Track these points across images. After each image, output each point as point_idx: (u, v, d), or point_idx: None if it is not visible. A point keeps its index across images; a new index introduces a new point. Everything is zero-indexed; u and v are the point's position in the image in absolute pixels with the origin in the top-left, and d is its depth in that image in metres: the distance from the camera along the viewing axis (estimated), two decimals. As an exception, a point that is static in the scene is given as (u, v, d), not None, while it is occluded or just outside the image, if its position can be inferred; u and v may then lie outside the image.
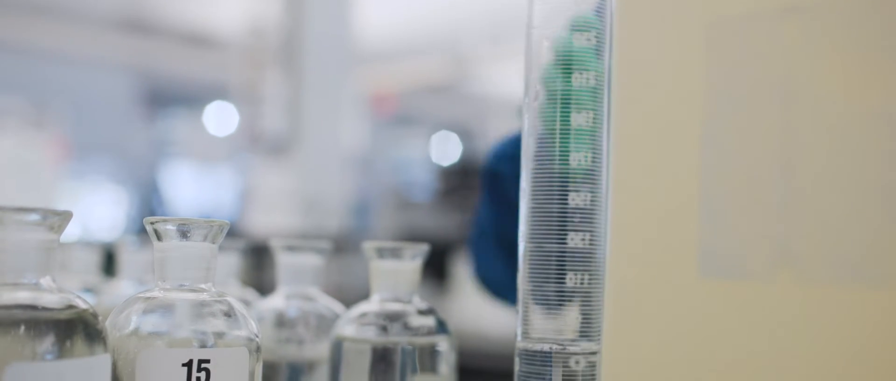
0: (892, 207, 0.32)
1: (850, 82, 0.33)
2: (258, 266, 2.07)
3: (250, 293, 0.65)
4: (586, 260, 0.45)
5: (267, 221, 3.58)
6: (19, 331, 0.35)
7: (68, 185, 4.87)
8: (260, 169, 3.81)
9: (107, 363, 0.38)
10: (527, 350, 0.45)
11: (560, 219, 0.45)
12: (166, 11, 5.63)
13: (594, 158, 0.45)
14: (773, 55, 0.35)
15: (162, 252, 0.42)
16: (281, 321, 0.58)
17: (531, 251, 0.46)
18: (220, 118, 6.28)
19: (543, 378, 0.45)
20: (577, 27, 0.46)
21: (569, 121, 0.45)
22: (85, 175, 5.50)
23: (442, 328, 0.53)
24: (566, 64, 0.46)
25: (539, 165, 0.46)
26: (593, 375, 0.44)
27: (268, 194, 3.69)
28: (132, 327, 0.41)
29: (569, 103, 0.45)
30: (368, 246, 0.53)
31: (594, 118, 0.45)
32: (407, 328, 0.52)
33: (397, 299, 0.53)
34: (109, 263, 0.76)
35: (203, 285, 0.43)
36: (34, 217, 0.36)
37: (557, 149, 0.45)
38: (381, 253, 0.53)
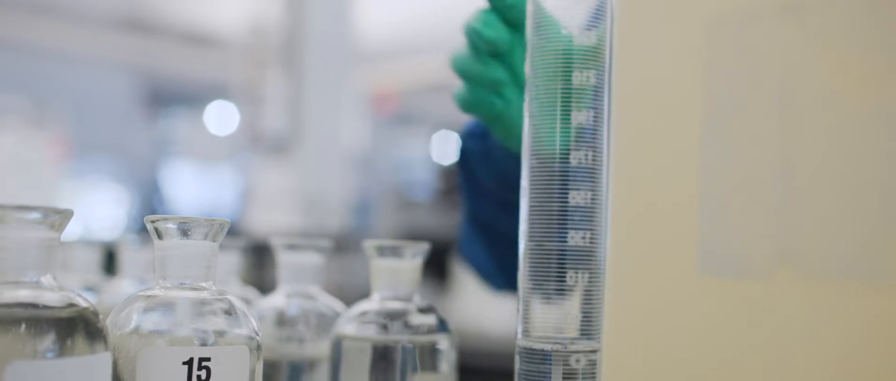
0: (892, 205, 0.32)
1: (851, 81, 0.34)
2: (259, 265, 2.07)
3: (251, 292, 0.65)
4: (587, 259, 0.45)
5: (268, 220, 3.58)
6: (20, 329, 0.35)
7: (69, 184, 4.87)
8: (261, 168, 3.81)
9: (107, 362, 0.38)
10: (527, 349, 0.45)
11: (560, 217, 0.45)
12: (167, 10, 5.63)
13: (595, 156, 0.45)
14: (773, 54, 0.35)
15: (162, 251, 0.42)
16: (281, 320, 0.58)
17: (531, 250, 0.46)
18: (220, 117, 6.28)
19: (544, 377, 0.45)
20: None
21: (569, 119, 0.45)
22: (86, 174, 5.50)
23: (442, 326, 0.53)
24: (566, 62, 0.46)
25: (539, 163, 0.46)
26: (594, 373, 0.44)
27: (269, 194, 3.69)
28: (133, 325, 0.41)
29: (569, 102, 0.45)
30: (369, 245, 0.53)
31: (595, 117, 0.45)
32: (407, 326, 0.52)
33: (398, 298, 0.53)
34: (110, 262, 0.76)
35: (204, 284, 0.43)
36: (35, 216, 0.37)
37: (558, 147, 0.45)
38: (382, 252, 0.53)
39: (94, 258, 0.74)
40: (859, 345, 0.33)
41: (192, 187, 6.32)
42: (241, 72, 3.94)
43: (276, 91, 3.73)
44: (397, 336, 0.51)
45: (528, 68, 0.47)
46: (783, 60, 0.35)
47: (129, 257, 0.69)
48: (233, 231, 0.53)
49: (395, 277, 0.53)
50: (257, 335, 0.43)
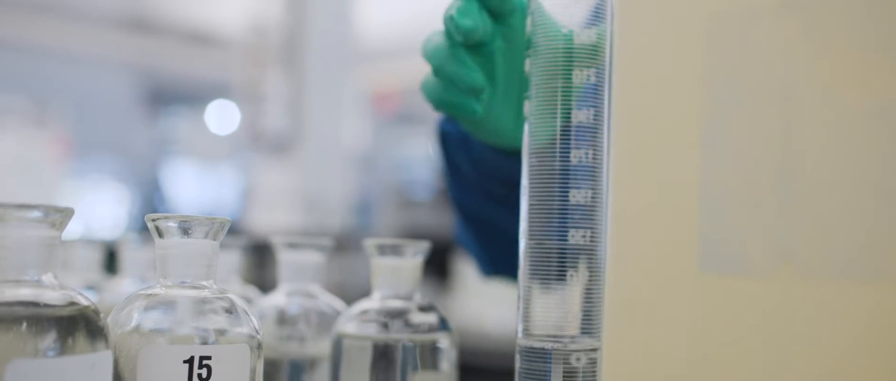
0: (891, 204, 0.32)
1: (850, 79, 0.34)
2: (260, 264, 2.07)
3: (252, 291, 0.65)
4: (587, 257, 0.45)
5: (269, 219, 3.58)
6: (21, 328, 0.35)
7: (70, 183, 4.87)
8: (262, 167, 3.81)
9: (108, 360, 0.39)
10: (527, 347, 0.46)
11: (560, 216, 0.45)
12: (168, 10, 5.63)
13: (595, 154, 0.45)
14: (773, 52, 0.35)
15: (163, 249, 0.42)
16: (282, 318, 0.58)
17: (532, 248, 0.46)
18: (221, 117, 6.28)
19: (544, 375, 0.45)
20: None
21: (570, 117, 0.45)
22: (87, 173, 5.50)
23: (443, 325, 0.53)
24: (567, 60, 0.46)
25: (540, 161, 0.46)
26: (594, 372, 0.44)
27: (269, 193, 3.69)
28: (134, 323, 0.41)
29: (570, 100, 0.45)
30: (369, 243, 0.53)
31: (595, 115, 0.45)
32: (408, 325, 0.52)
33: (398, 297, 0.53)
34: (111, 260, 0.76)
35: (204, 282, 0.43)
36: (36, 214, 0.37)
37: (558, 146, 0.45)
38: (382, 250, 0.53)
39: (96, 257, 0.74)
40: (859, 343, 0.33)
41: (193, 186, 6.32)
42: (241, 71, 3.94)
43: (277, 90, 3.73)
44: (398, 335, 0.51)
45: (527, 66, 0.47)
46: (783, 59, 0.35)
47: (130, 255, 0.69)
48: (234, 230, 0.53)
49: (396, 275, 0.53)
50: (258, 333, 0.44)
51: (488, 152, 0.64)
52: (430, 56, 0.54)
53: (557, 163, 0.45)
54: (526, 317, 0.46)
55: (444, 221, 3.22)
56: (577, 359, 0.44)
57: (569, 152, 0.45)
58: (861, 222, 0.33)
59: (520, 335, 0.46)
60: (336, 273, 2.79)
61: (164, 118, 6.49)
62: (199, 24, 5.80)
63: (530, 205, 0.46)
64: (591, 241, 0.45)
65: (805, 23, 0.34)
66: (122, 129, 6.03)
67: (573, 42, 0.45)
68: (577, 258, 0.45)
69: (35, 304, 0.36)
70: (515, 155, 0.62)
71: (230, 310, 0.43)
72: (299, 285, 0.59)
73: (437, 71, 0.53)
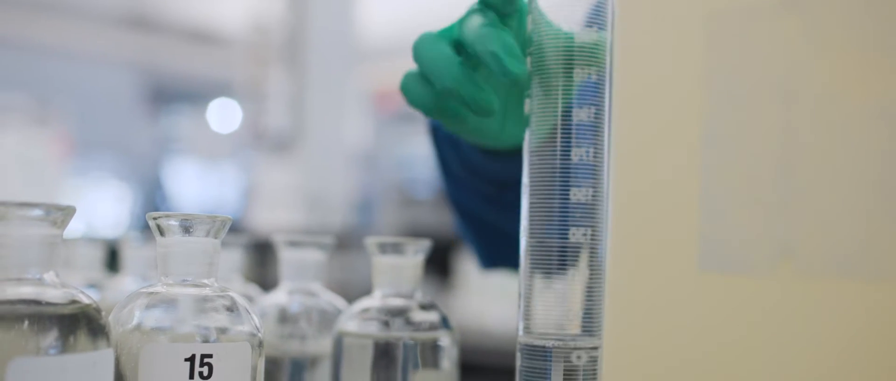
0: (892, 202, 0.32)
1: (850, 77, 0.34)
2: (261, 263, 2.07)
3: (253, 289, 0.65)
4: (588, 255, 0.45)
5: (270, 217, 3.58)
6: (23, 326, 0.35)
7: (72, 181, 4.87)
8: (263, 166, 3.81)
9: (110, 358, 0.39)
10: (528, 345, 0.46)
11: (561, 214, 0.45)
12: (170, 8, 5.63)
13: (596, 153, 0.45)
14: (773, 50, 0.35)
15: (164, 248, 0.42)
16: (283, 317, 0.58)
17: (533, 246, 0.46)
18: (223, 115, 6.28)
19: (545, 373, 0.45)
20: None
21: (570, 116, 0.45)
22: (89, 172, 5.50)
23: (444, 323, 0.53)
24: (568, 59, 0.46)
25: (541, 159, 0.46)
26: (595, 370, 0.44)
27: (271, 191, 3.69)
28: (135, 322, 0.41)
29: (570, 98, 0.45)
30: (371, 242, 0.53)
31: (596, 113, 0.45)
32: (409, 323, 0.52)
33: (399, 295, 0.53)
34: (113, 259, 0.76)
35: (206, 281, 0.43)
36: (37, 212, 0.37)
37: (559, 144, 0.45)
38: (384, 249, 0.53)
39: (97, 256, 0.74)
40: (859, 342, 0.33)
41: (194, 185, 6.33)
42: (243, 69, 3.94)
43: (279, 89, 3.73)
44: (399, 333, 0.51)
45: (528, 65, 0.47)
46: (783, 57, 0.35)
47: (132, 254, 0.69)
48: (235, 228, 0.53)
49: (397, 274, 0.53)
50: (259, 331, 0.44)
51: (474, 153, 0.64)
52: (440, 75, 0.49)
53: (558, 161, 0.45)
54: (527, 315, 0.46)
55: (446, 219, 3.22)
56: (578, 357, 0.44)
57: (570, 151, 0.45)
58: (861, 221, 0.33)
59: (521, 332, 0.46)
60: (337, 271, 2.80)
61: (166, 116, 6.49)
62: (201, 23, 5.80)
63: (531, 203, 0.46)
64: (592, 239, 0.45)
65: (805, 22, 0.34)
66: (124, 127, 6.03)
67: (574, 41, 0.45)
68: (578, 256, 0.45)
69: (37, 302, 0.36)
70: (501, 156, 0.62)
71: (231, 308, 0.43)
72: (300, 283, 0.59)
73: (449, 91, 0.49)
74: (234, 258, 0.66)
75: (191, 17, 5.75)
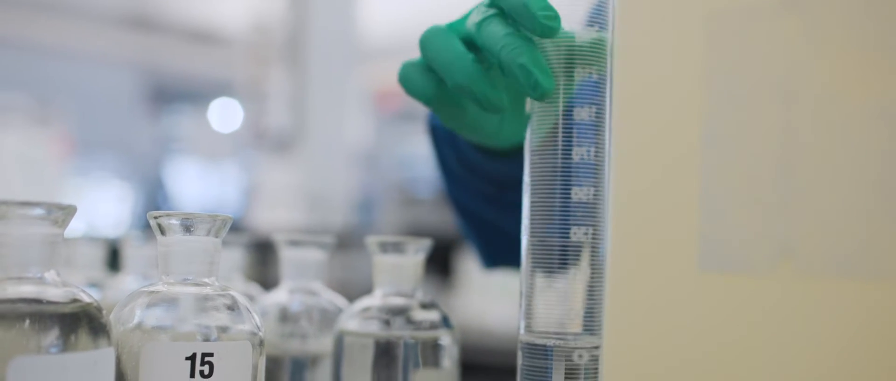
0: (892, 202, 0.32)
1: (850, 77, 0.34)
2: (263, 262, 2.07)
3: (254, 288, 0.65)
4: (589, 254, 0.45)
5: (271, 217, 3.58)
6: (24, 324, 0.35)
7: (73, 181, 4.87)
8: (265, 165, 3.81)
9: (111, 357, 0.39)
10: (529, 344, 0.46)
11: (562, 213, 0.45)
12: (171, 8, 5.63)
13: (597, 152, 0.45)
14: (773, 49, 0.35)
15: (165, 247, 0.43)
16: (284, 316, 0.58)
17: (534, 245, 0.46)
18: (224, 115, 6.28)
19: (546, 372, 0.45)
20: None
21: (572, 115, 0.45)
22: (90, 171, 5.50)
23: (445, 322, 0.53)
24: (569, 58, 0.46)
25: (542, 159, 0.46)
26: (596, 369, 0.44)
27: (272, 191, 3.69)
28: (136, 320, 0.41)
29: (571, 98, 0.45)
30: (371, 241, 0.53)
31: (597, 113, 0.45)
32: (409, 322, 0.52)
33: (400, 294, 0.53)
34: (114, 258, 0.76)
35: (206, 280, 0.43)
36: (38, 211, 0.37)
37: (560, 143, 0.45)
38: (384, 248, 0.53)
39: (98, 255, 0.74)
40: (859, 341, 0.33)
41: (196, 185, 6.33)
42: (244, 69, 3.94)
43: (280, 88, 3.73)
44: (399, 332, 0.51)
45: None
46: (783, 57, 0.35)
47: (133, 253, 0.69)
48: (236, 228, 0.53)
49: (398, 273, 0.53)
50: (260, 330, 0.44)
51: (473, 152, 0.64)
52: (452, 71, 0.49)
53: (560, 160, 0.45)
54: (528, 314, 0.46)
55: (447, 219, 3.22)
56: (580, 356, 0.44)
57: (571, 150, 0.45)
58: (861, 221, 0.33)
59: (522, 331, 0.46)
60: (338, 271, 2.80)
61: (167, 116, 6.49)
62: (202, 22, 5.80)
63: (532, 202, 0.46)
64: (594, 238, 0.45)
65: (805, 22, 0.34)
66: (125, 127, 6.03)
67: (575, 40, 0.45)
68: (580, 255, 0.45)
69: (38, 301, 0.36)
70: (500, 156, 0.62)
71: (232, 307, 0.43)
72: (301, 282, 0.59)
73: (461, 88, 0.49)
74: (235, 257, 0.66)
75: (192, 17, 5.75)
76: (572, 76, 0.45)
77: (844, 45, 0.34)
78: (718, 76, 0.36)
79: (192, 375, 0.40)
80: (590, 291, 0.45)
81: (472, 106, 0.53)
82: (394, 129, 5.18)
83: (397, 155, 4.83)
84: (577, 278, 0.45)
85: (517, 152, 0.59)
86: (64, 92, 4.95)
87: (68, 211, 0.38)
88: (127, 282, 0.67)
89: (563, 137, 0.45)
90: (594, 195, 0.45)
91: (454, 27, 0.51)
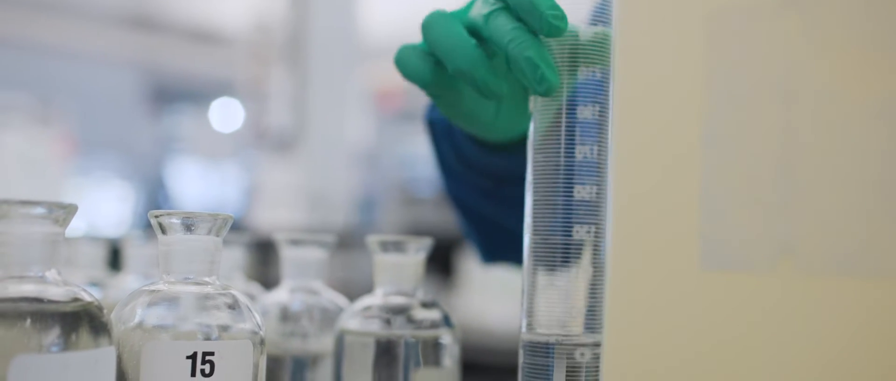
0: (892, 200, 0.33)
1: (851, 77, 0.34)
2: (264, 261, 2.07)
3: (255, 287, 0.65)
4: (591, 253, 0.45)
5: (273, 216, 3.58)
6: (25, 323, 0.35)
7: (75, 181, 4.88)
8: (265, 165, 3.81)
9: (112, 356, 0.39)
10: (531, 342, 0.46)
11: (565, 212, 0.45)
12: (172, 7, 5.63)
13: (600, 150, 0.45)
14: (774, 48, 0.35)
15: (166, 246, 0.43)
16: (285, 315, 0.58)
17: (536, 244, 0.46)
18: (225, 114, 6.29)
19: (547, 370, 0.45)
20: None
21: (575, 113, 0.45)
22: (91, 171, 5.50)
23: (446, 321, 0.53)
24: (572, 57, 0.46)
25: (544, 157, 0.46)
26: (598, 367, 0.44)
27: (273, 190, 3.70)
28: (137, 319, 0.41)
29: (575, 95, 0.45)
30: (372, 240, 0.53)
31: (600, 111, 0.45)
32: (410, 321, 0.52)
33: (401, 293, 0.53)
34: (115, 258, 0.76)
35: (207, 279, 0.43)
36: (39, 210, 0.37)
37: (563, 141, 0.45)
38: (385, 247, 0.53)
39: (100, 254, 0.74)
40: (860, 340, 0.33)
41: (197, 184, 6.33)
42: (245, 69, 3.94)
43: (281, 88, 3.73)
44: (400, 331, 0.51)
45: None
46: (783, 56, 0.35)
47: (134, 253, 0.69)
48: (238, 227, 0.53)
49: (399, 272, 0.53)
50: (261, 329, 0.44)
51: (469, 146, 0.64)
52: (454, 55, 0.49)
53: (562, 158, 0.45)
54: (530, 312, 0.46)
55: (448, 218, 3.22)
56: (581, 354, 0.44)
57: (574, 148, 0.45)
58: (861, 220, 0.33)
59: (523, 329, 0.46)
60: (339, 270, 2.80)
61: (168, 116, 6.49)
62: (203, 22, 5.80)
63: (535, 200, 0.46)
64: (596, 236, 0.45)
65: (805, 21, 0.34)
66: (127, 127, 6.04)
67: (578, 38, 0.46)
68: (582, 253, 0.45)
69: (39, 300, 0.36)
70: (496, 151, 0.62)
71: (233, 306, 0.43)
72: (302, 281, 0.59)
73: (462, 73, 0.49)
74: (236, 257, 0.66)
75: (193, 17, 5.75)
76: (576, 74, 0.45)
77: (844, 45, 0.34)
78: (718, 76, 0.36)
79: (193, 374, 0.40)
80: (592, 289, 0.45)
81: (469, 94, 0.53)
82: (395, 128, 5.18)
83: (398, 154, 4.83)
84: (580, 276, 0.45)
85: (514, 147, 0.60)
86: (65, 92, 4.95)
87: (69, 210, 0.38)
88: (128, 281, 0.68)
89: (567, 134, 0.45)
90: (597, 194, 0.45)
91: (457, 15, 0.51)
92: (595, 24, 0.46)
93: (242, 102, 4.36)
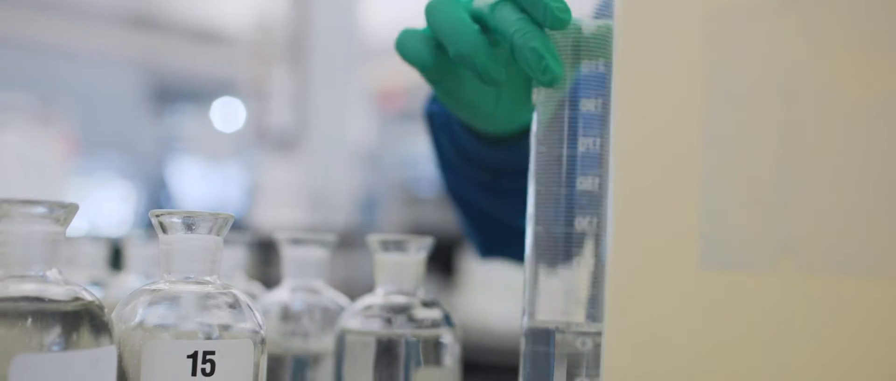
0: (892, 200, 0.33)
1: (851, 76, 0.34)
2: (265, 260, 2.07)
3: (256, 287, 0.66)
4: (593, 244, 0.45)
5: (274, 216, 3.58)
6: (26, 323, 0.36)
7: (76, 180, 4.88)
8: (267, 164, 3.81)
9: (112, 355, 0.39)
10: (533, 329, 0.46)
11: (568, 203, 0.45)
12: (173, 7, 5.64)
13: (603, 143, 0.45)
14: (774, 47, 0.35)
15: (167, 245, 0.43)
16: (286, 314, 0.58)
17: (539, 235, 0.46)
18: (227, 114, 6.29)
19: (549, 359, 0.45)
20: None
21: (578, 106, 0.45)
22: (93, 171, 5.51)
23: (447, 320, 0.53)
24: (576, 50, 0.46)
25: (547, 149, 0.46)
26: (599, 356, 0.44)
27: (275, 190, 3.70)
28: (138, 319, 0.41)
29: (578, 88, 0.45)
30: (373, 239, 0.53)
31: (603, 104, 0.45)
32: (411, 320, 0.52)
33: (402, 292, 0.53)
34: (117, 257, 0.76)
35: (208, 278, 0.43)
36: (40, 210, 0.37)
37: (566, 134, 0.45)
38: (386, 246, 0.53)
39: (101, 254, 0.75)
40: (859, 339, 0.33)
41: (198, 184, 6.33)
42: (247, 68, 3.94)
43: (283, 87, 3.73)
44: (401, 330, 0.51)
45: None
46: (783, 56, 0.35)
47: (136, 252, 0.69)
48: (239, 227, 0.54)
49: (399, 271, 0.53)
50: (262, 329, 0.44)
51: (468, 138, 0.64)
52: (456, 39, 0.49)
53: (565, 150, 0.45)
54: (532, 301, 0.46)
55: (449, 217, 3.22)
56: (583, 343, 0.44)
57: (577, 140, 0.45)
58: (861, 219, 0.33)
59: (525, 320, 0.46)
60: (340, 269, 2.80)
61: (170, 116, 6.50)
62: (205, 22, 5.80)
63: (537, 191, 0.46)
64: (598, 227, 0.45)
65: (805, 21, 0.35)
66: (128, 126, 6.04)
67: (582, 31, 0.46)
68: (584, 245, 0.45)
69: (40, 299, 0.36)
70: (495, 143, 0.62)
71: (234, 305, 0.43)
72: (303, 280, 0.59)
73: (463, 57, 0.49)
74: (237, 256, 0.66)
75: (194, 16, 5.75)
76: (579, 66, 0.46)
77: (844, 45, 0.34)
78: (718, 75, 0.36)
79: (194, 373, 0.40)
80: (594, 280, 0.45)
81: (469, 81, 0.53)
82: (396, 128, 5.18)
83: (399, 154, 4.83)
84: (582, 265, 0.45)
85: (512, 139, 0.60)
86: (67, 91, 4.95)
87: (70, 210, 0.38)
88: (129, 281, 0.68)
89: (570, 126, 0.45)
90: (599, 185, 0.45)
91: (461, 2, 0.51)
92: (599, 18, 0.46)
93: (244, 101, 4.36)
